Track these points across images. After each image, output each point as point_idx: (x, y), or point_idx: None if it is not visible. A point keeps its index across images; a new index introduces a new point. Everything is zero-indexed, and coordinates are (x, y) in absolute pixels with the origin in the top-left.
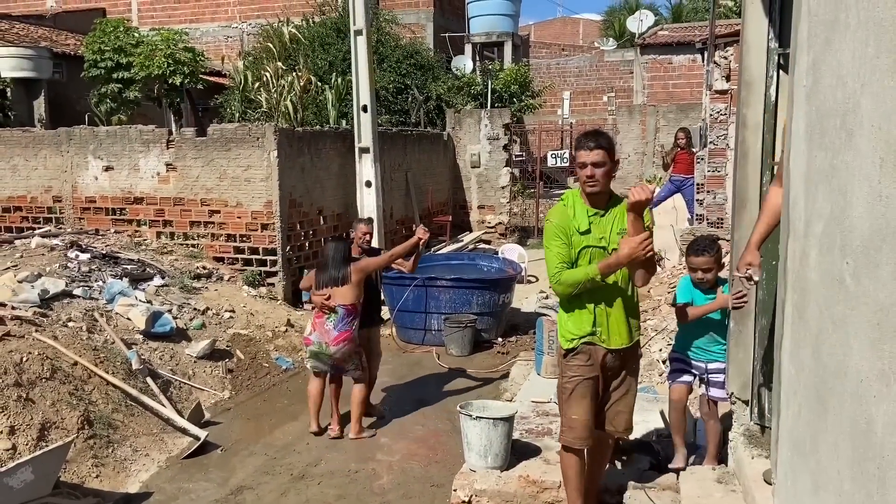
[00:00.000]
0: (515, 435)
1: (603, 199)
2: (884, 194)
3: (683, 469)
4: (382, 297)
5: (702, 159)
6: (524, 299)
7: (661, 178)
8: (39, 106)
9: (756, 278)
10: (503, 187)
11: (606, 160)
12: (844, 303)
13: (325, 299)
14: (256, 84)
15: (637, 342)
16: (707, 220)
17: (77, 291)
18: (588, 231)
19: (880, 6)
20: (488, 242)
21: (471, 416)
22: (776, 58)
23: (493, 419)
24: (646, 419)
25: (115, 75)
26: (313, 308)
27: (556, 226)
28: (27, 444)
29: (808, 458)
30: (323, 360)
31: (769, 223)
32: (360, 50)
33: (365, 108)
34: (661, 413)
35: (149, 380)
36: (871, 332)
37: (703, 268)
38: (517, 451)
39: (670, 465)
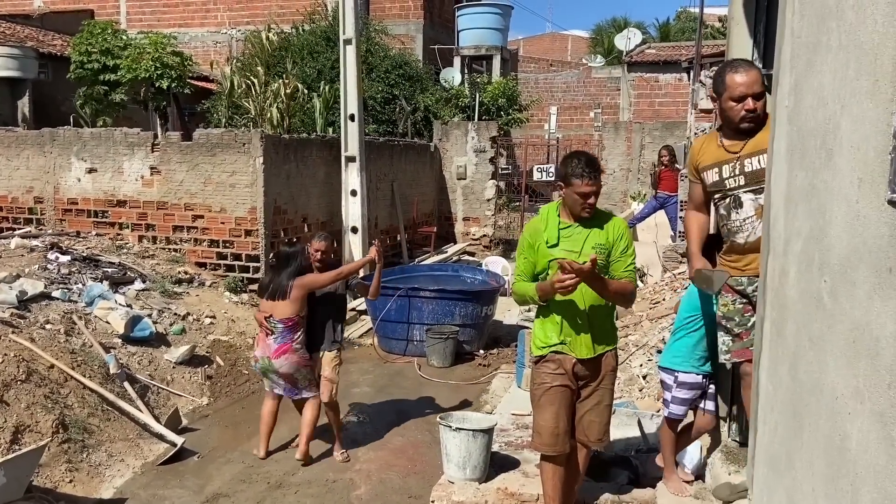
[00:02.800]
0: (495, 447)
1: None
2: (861, 214)
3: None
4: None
5: (685, 177)
6: (506, 312)
7: (645, 195)
8: (23, 106)
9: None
10: (489, 200)
11: (600, 188)
12: (822, 321)
13: (266, 317)
14: (243, 89)
15: (611, 353)
16: None
17: (56, 293)
18: (556, 244)
19: (861, 29)
20: (473, 254)
21: (450, 427)
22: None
23: (473, 431)
24: (625, 434)
25: (101, 77)
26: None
27: (525, 239)
28: None
29: (784, 474)
30: (273, 379)
31: (702, 238)
32: (348, 59)
33: (352, 117)
34: (640, 426)
35: (126, 384)
36: (846, 349)
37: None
38: (496, 464)
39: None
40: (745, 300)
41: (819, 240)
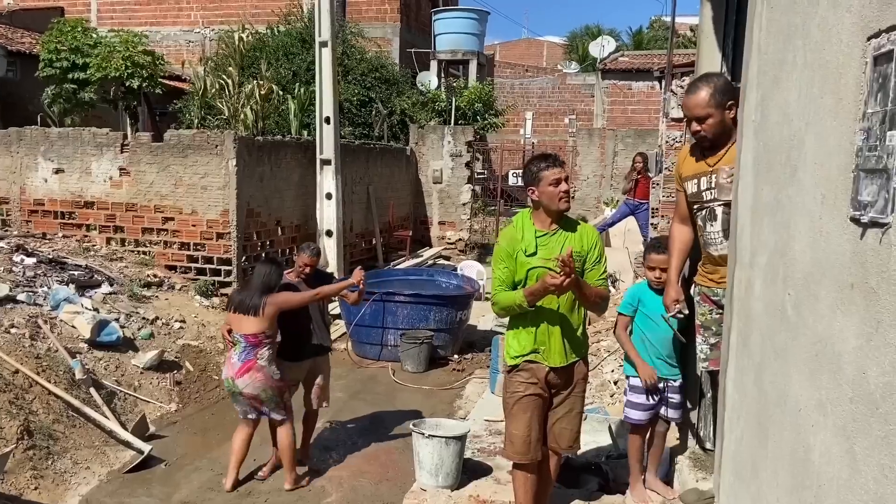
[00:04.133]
0: (467, 454)
1: (554, 218)
2: (824, 230)
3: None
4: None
5: (657, 185)
6: (481, 317)
7: (618, 201)
8: None
9: (685, 312)
10: (464, 204)
11: (568, 175)
12: (786, 333)
13: (228, 330)
14: (216, 90)
15: (583, 361)
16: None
17: (21, 297)
18: (535, 253)
19: (826, 48)
20: (448, 258)
21: (423, 434)
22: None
23: (445, 438)
24: (596, 440)
25: (70, 76)
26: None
27: (503, 249)
28: None
29: (749, 483)
30: (239, 401)
31: (682, 258)
32: (324, 61)
33: (328, 120)
34: (611, 432)
35: (92, 390)
36: (809, 362)
37: (662, 266)
38: (469, 470)
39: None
40: (721, 310)
41: (784, 253)
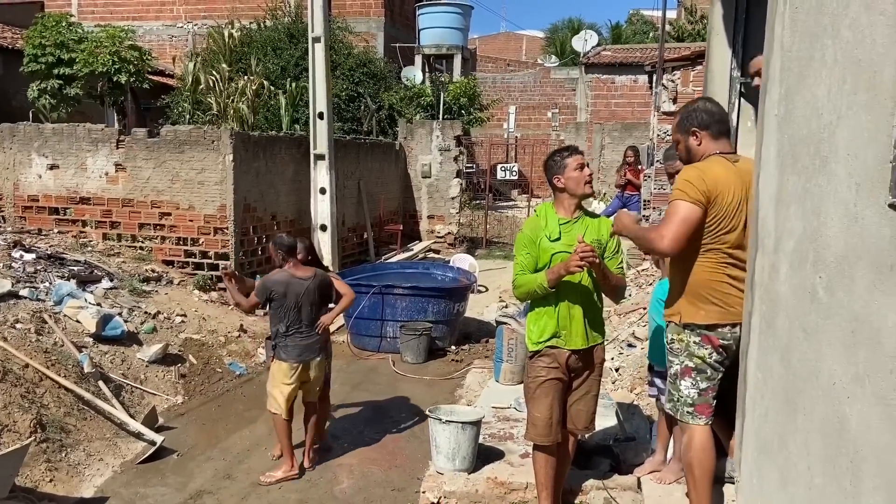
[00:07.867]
0: (479, 439)
1: (576, 206)
2: (860, 216)
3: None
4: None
5: (648, 177)
6: (485, 308)
7: (605, 194)
8: None
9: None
10: (453, 198)
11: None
12: (817, 313)
13: None
14: (206, 86)
15: (601, 346)
16: None
17: (23, 292)
18: (559, 238)
19: (859, 48)
20: (437, 252)
21: (440, 419)
22: (738, 86)
23: (462, 423)
24: (603, 424)
25: (55, 71)
26: None
27: (526, 236)
28: None
29: (776, 456)
30: None
31: None
32: (317, 57)
33: (321, 115)
34: (618, 417)
35: (101, 383)
36: (845, 339)
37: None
38: (481, 455)
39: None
40: (723, 351)
41: (813, 239)
